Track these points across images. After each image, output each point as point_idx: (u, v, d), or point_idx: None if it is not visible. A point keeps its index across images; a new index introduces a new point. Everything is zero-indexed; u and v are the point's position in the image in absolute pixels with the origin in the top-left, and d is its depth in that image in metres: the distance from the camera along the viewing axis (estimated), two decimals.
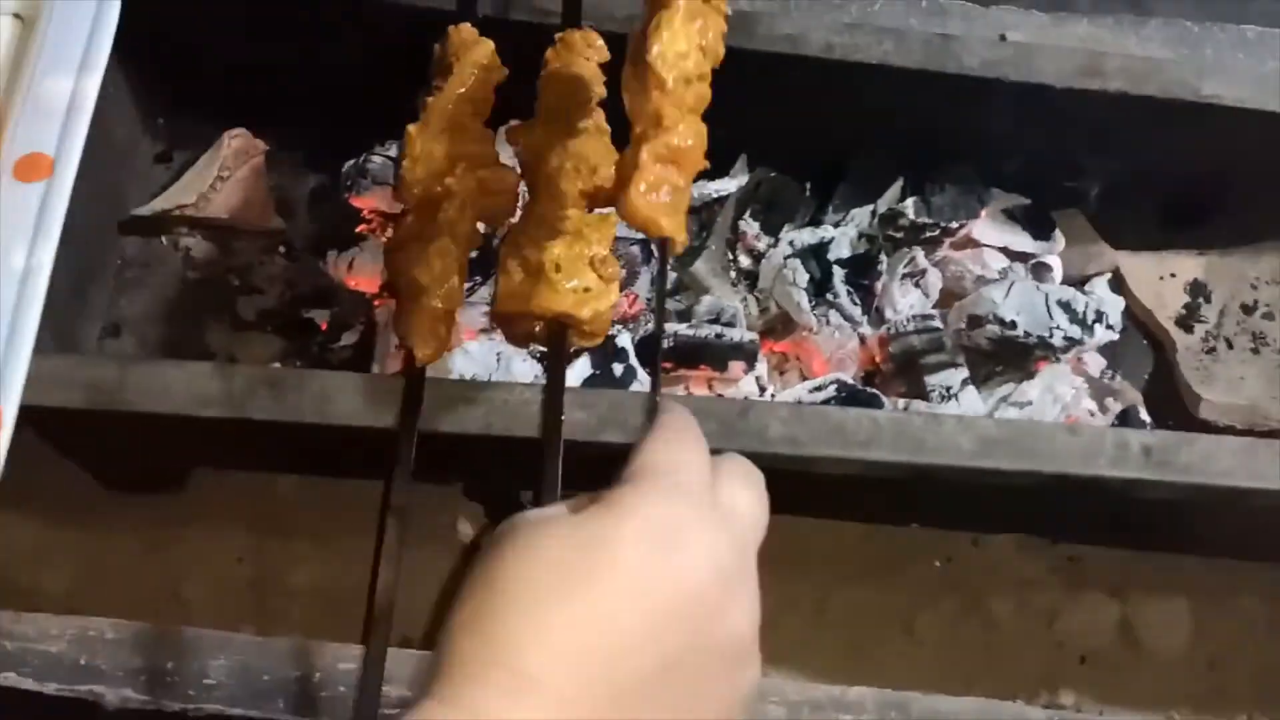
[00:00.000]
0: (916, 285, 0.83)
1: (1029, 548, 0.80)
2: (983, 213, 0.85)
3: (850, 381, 0.78)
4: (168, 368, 0.61)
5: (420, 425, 0.53)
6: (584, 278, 0.56)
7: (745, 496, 0.37)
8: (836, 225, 0.85)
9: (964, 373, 0.79)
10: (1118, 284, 0.88)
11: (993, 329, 0.80)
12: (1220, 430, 0.84)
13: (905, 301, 0.83)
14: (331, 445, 0.67)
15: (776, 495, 0.39)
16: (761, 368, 0.80)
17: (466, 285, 0.61)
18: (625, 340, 0.76)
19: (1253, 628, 0.79)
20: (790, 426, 0.61)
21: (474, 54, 0.61)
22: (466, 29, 0.63)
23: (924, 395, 0.79)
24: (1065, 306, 0.80)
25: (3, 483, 0.73)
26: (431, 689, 0.30)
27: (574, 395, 0.61)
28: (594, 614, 0.31)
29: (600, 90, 0.62)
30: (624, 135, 0.56)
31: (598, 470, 0.68)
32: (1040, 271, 0.86)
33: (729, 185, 0.85)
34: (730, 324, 0.79)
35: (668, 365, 0.77)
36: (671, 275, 0.82)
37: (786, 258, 0.82)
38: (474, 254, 0.58)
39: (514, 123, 0.62)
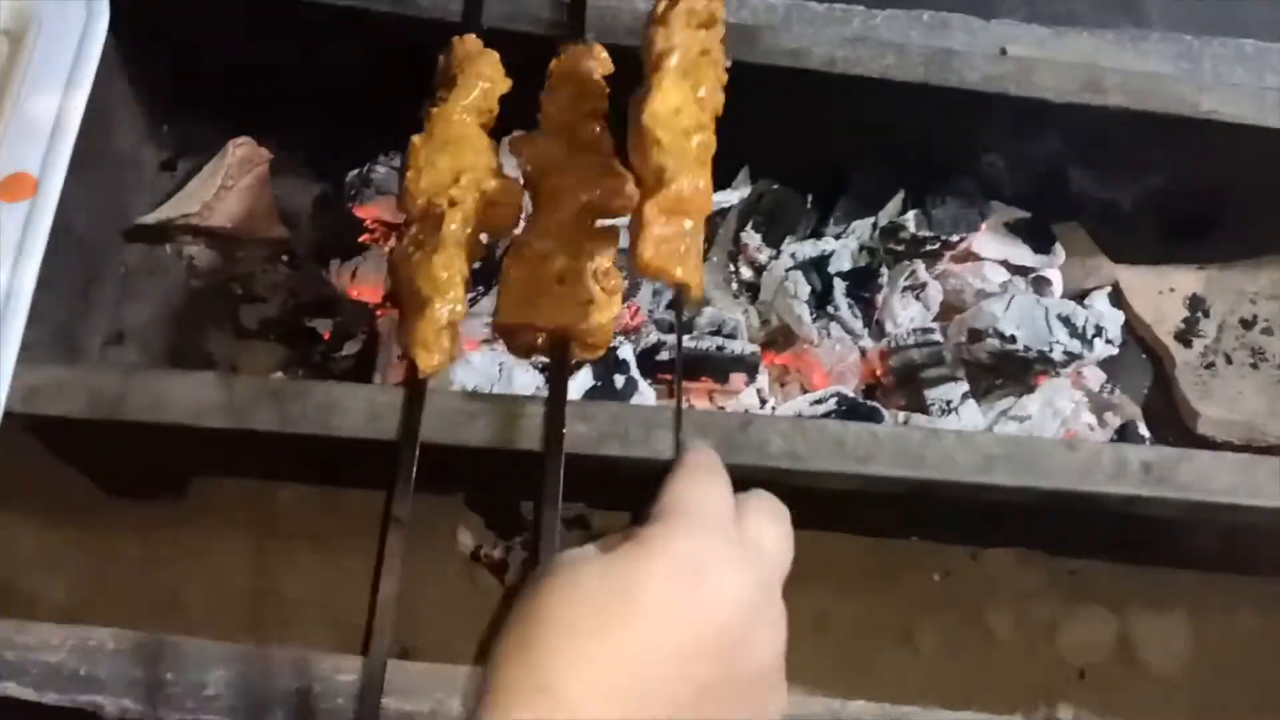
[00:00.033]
0: (917, 298, 0.83)
1: (1028, 562, 0.80)
2: (983, 226, 0.86)
3: (851, 394, 0.78)
4: (170, 377, 0.61)
5: (422, 436, 0.53)
6: (586, 290, 0.56)
7: (770, 531, 0.39)
8: (838, 238, 0.85)
9: (964, 386, 0.80)
10: (1117, 298, 0.88)
11: (993, 343, 0.80)
12: (1218, 445, 0.84)
13: (906, 314, 0.83)
14: (333, 456, 0.67)
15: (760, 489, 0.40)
16: (763, 380, 0.80)
17: (469, 296, 0.61)
18: (627, 352, 0.76)
19: (1251, 643, 0.79)
20: (791, 441, 0.62)
21: (478, 65, 0.62)
22: (471, 40, 0.64)
23: (924, 408, 0.79)
24: (1065, 321, 0.80)
25: (4, 489, 0.74)
26: (479, 714, 0.33)
27: (575, 407, 0.61)
28: (627, 647, 0.34)
29: (603, 103, 0.62)
30: (627, 146, 0.56)
31: (598, 482, 0.69)
32: (1040, 285, 0.86)
33: (731, 197, 0.85)
34: (732, 336, 0.79)
35: (667, 378, 0.77)
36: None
37: (788, 270, 0.82)
38: (476, 264, 0.58)
39: (517, 134, 0.62)
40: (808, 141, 0.82)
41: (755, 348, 0.79)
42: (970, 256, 0.87)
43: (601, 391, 0.74)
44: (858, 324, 0.82)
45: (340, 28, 0.74)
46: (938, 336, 0.81)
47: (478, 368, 0.74)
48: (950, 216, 0.84)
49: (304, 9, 0.73)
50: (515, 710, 0.33)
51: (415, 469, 0.52)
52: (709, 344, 0.77)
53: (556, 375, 0.58)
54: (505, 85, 0.62)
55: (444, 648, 0.72)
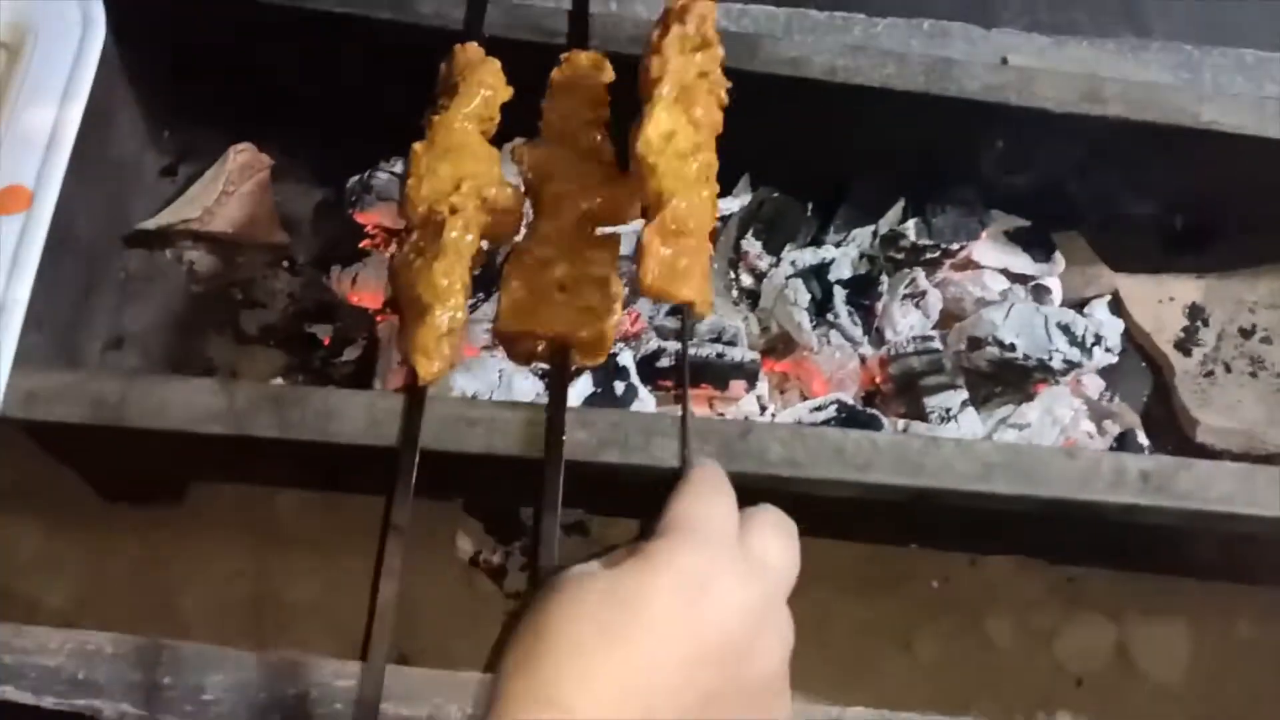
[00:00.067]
0: (917, 306, 0.84)
1: (1027, 569, 0.80)
2: (983, 234, 0.86)
3: (850, 402, 0.78)
4: (170, 384, 0.61)
5: (421, 443, 0.53)
6: (587, 297, 0.57)
7: (776, 545, 0.40)
8: (838, 246, 0.85)
9: (963, 394, 0.80)
10: (1117, 306, 0.88)
11: (992, 351, 0.80)
12: (1217, 454, 0.84)
13: (905, 322, 0.83)
14: (332, 462, 0.67)
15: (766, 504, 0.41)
16: (762, 387, 0.80)
17: (469, 302, 0.61)
18: (627, 359, 0.76)
19: (1249, 651, 0.79)
20: (790, 448, 0.62)
21: (480, 73, 0.62)
22: (473, 48, 0.64)
23: (923, 416, 0.79)
24: (1065, 329, 0.80)
25: (4, 493, 0.74)
26: None
27: (575, 414, 0.61)
28: (633, 660, 0.35)
29: (605, 111, 0.63)
30: (628, 154, 0.57)
31: (598, 488, 0.69)
32: (1040, 293, 0.86)
33: (732, 205, 0.85)
34: (732, 343, 0.80)
35: (668, 384, 0.77)
36: None
37: (788, 277, 0.83)
38: (477, 271, 0.58)
39: (519, 141, 0.63)
40: (808, 150, 0.82)
41: (755, 355, 0.79)
42: (970, 265, 0.87)
43: (601, 398, 0.74)
44: (857, 331, 0.82)
45: (341, 34, 0.74)
46: (937, 344, 0.81)
47: (477, 374, 0.74)
48: (950, 225, 0.84)
49: (305, 15, 0.73)
50: None
51: (415, 475, 0.52)
52: (709, 351, 0.78)
53: (556, 382, 0.58)
54: (507, 93, 0.62)
55: (443, 653, 0.72)
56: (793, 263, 0.84)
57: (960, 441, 0.64)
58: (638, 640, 0.35)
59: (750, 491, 0.43)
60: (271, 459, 0.68)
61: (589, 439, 0.60)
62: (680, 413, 0.52)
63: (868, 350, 0.82)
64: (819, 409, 0.78)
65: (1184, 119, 0.76)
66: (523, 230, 0.60)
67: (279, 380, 0.80)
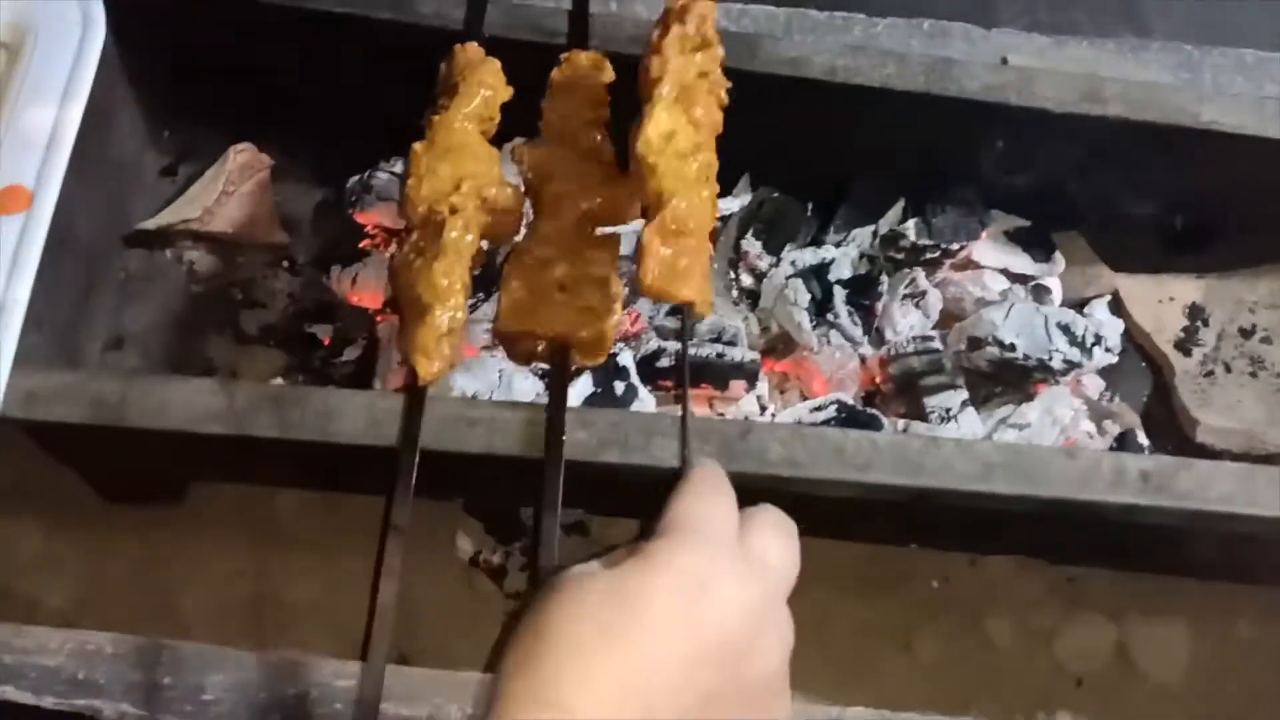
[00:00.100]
0: (917, 306, 0.84)
1: (1027, 569, 0.80)
2: (983, 234, 0.86)
3: (850, 402, 0.79)
4: (170, 384, 0.61)
5: (421, 443, 0.53)
6: (587, 297, 0.57)
7: (776, 545, 0.40)
8: (838, 246, 0.85)
9: (963, 394, 0.80)
10: (1117, 306, 0.88)
11: (992, 351, 0.80)
12: (1217, 454, 0.84)
13: (905, 322, 0.83)
14: (332, 462, 0.67)
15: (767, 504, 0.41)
16: (762, 387, 0.80)
17: (469, 302, 0.61)
18: (627, 358, 0.76)
19: (1249, 651, 0.80)
20: (790, 448, 0.62)
21: (480, 73, 0.62)
22: (473, 48, 0.64)
23: (923, 416, 0.79)
24: (1065, 329, 0.80)
25: (4, 493, 0.74)
26: None
27: (575, 414, 0.61)
28: (632, 660, 0.35)
29: (605, 111, 0.63)
30: (628, 154, 0.57)
31: (598, 488, 0.69)
32: (1040, 293, 0.86)
33: (732, 205, 0.85)
34: (732, 343, 0.80)
35: (668, 384, 0.77)
36: None
37: (788, 277, 0.83)
38: (477, 271, 0.58)
39: (519, 141, 0.63)
40: (808, 149, 0.82)
41: (755, 355, 0.80)
42: (970, 265, 0.87)
43: (601, 398, 0.74)
44: (857, 331, 0.82)
45: (341, 34, 0.74)
46: (937, 344, 0.81)
47: (477, 374, 0.74)
48: (950, 225, 0.84)
49: (305, 15, 0.73)
50: None
51: (415, 475, 0.52)
52: (709, 351, 0.78)
53: (556, 382, 0.58)
54: (507, 93, 0.62)
55: (442, 653, 0.72)
56: (793, 263, 0.84)
57: (960, 441, 0.64)
58: (638, 640, 0.35)
59: (750, 491, 0.43)
60: (271, 459, 0.68)
61: (589, 439, 0.60)
62: (680, 413, 0.52)
63: (868, 350, 0.82)
64: (819, 409, 0.78)
65: (1184, 119, 0.76)
66: (523, 230, 0.60)
67: (279, 380, 0.81)
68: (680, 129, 0.53)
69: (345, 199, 0.83)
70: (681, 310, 0.53)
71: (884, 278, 0.84)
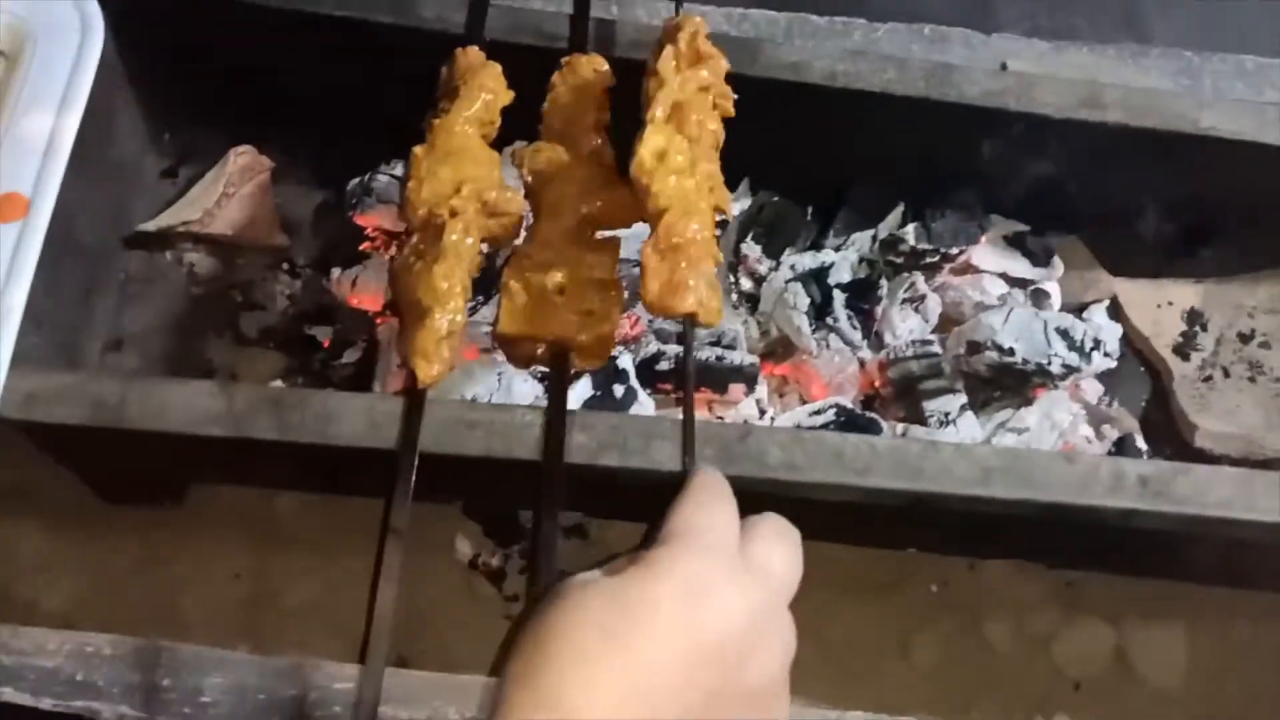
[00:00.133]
0: (916, 310, 0.84)
1: (1025, 573, 0.80)
2: (982, 239, 0.86)
3: (849, 405, 0.79)
4: (169, 386, 0.61)
5: (421, 446, 0.54)
6: (587, 301, 0.57)
7: (778, 553, 0.40)
8: (837, 250, 0.85)
9: (962, 398, 0.80)
10: (1115, 311, 0.88)
11: (991, 355, 0.80)
12: (1216, 458, 0.84)
13: (905, 326, 0.83)
14: (332, 464, 0.67)
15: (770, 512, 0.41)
16: (762, 390, 0.80)
17: (469, 305, 0.61)
18: (626, 361, 0.76)
19: (1247, 655, 0.80)
20: (789, 452, 0.62)
21: (480, 76, 0.62)
22: (473, 52, 0.64)
23: (922, 420, 0.79)
24: (1063, 334, 0.80)
25: (3, 494, 0.74)
26: None
27: (575, 417, 0.61)
28: (634, 667, 0.35)
29: (605, 114, 0.63)
30: (628, 158, 0.57)
31: (597, 491, 0.69)
32: (1039, 298, 0.87)
33: (732, 209, 0.85)
34: (731, 347, 0.80)
35: (667, 387, 0.77)
36: None
37: (787, 281, 0.83)
38: (476, 274, 0.58)
39: (519, 144, 0.63)
40: (808, 154, 0.82)
41: (754, 358, 0.80)
42: (969, 269, 0.87)
43: (601, 401, 0.74)
44: (857, 335, 0.82)
45: (343, 38, 0.74)
46: (936, 348, 0.82)
47: (477, 376, 0.74)
48: (949, 229, 0.84)
49: (306, 19, 0.73)
50: None
51: (414, 478, 0.52)
52: (708, 354, 0.78)
53: (556, 385, 0.58)
54: (507, 97, 0.62)
55: (442, 656, 0.72)
56: (792, 266, 0.84)
57: (959, 446, 0.64)
58: (639, 646, 0.35)
59: (749, 495, 0.43)
60: (271, 461, 0.68)
61: (588, 442, 0.60)
62: (682, 417, 0.52)
63: (867, 354, 0.82)
64: (818, 412, 0.78)
65: (1183, 125, 0.76)
66: (523, 233, 0.60)
67: (279, 382, 0.81)
68: (673, 146, 0.54)
69: (345, 201, 0.84)
70: (687, 322, 0.53)
71: (883, 282, 0.84)
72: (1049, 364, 0.80)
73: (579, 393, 0.74)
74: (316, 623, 0.73)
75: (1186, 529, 0.66)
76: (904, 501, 0.64)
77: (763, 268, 0.85)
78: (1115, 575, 0.80)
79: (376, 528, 0.50)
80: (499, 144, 0.62)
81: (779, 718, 0.39)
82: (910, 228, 0.85)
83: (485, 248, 0.59)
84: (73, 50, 0.56)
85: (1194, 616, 0.80)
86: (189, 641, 0.65)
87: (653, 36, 0.70)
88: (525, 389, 0.74)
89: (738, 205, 0.86)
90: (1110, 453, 0.81)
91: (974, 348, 0.81)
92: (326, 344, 0.83)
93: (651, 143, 0.54)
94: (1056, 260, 0.88)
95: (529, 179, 0.61)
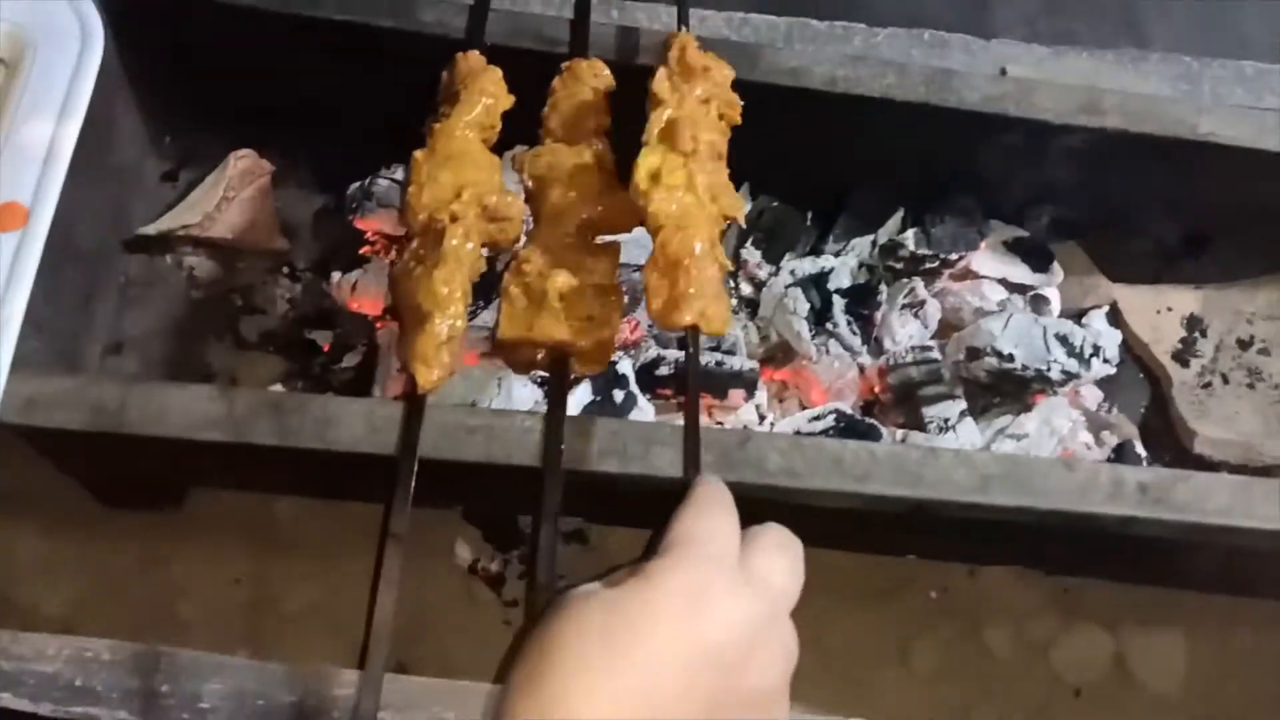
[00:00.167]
0: (916, 316, 0.84)
1: (1025, 579, 0.80)
2: (982, 245, 0.86)
3: (849, 411, 0.79)
4: (169, 390, 0.61)
5: (420, 451, 0.53)
6: (587, 306, 0.57)
7: (779, 563, 0.41)
8: (837, 255, 0.86)
9: (962, 404, 0.80)
10: (1115, 317, 0.88)
11: (991, 361, 0.80)
12: (1215, 465, 0.84)
13: (904, 332, 0.83)
14: (331, 469, 0.67)
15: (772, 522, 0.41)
16: (761, 396, 0.80)
17: (469, 309, 0.61)
18: (626, 366, 0.76)
19: (1246, 662, 0.80)
20: (789, 458, 0.62)
21: (481, 81, 0.62)
22: (474, 56, 0.64)
23: (922, 426, 0.79)
24: (1063, 340, 0.80)
25: (3, 498, 0.74)
26: None
27: (574, 423, 0.61)
28: (635, 675, 0.36)
29: (605, 119, 0.63)
30: (630, 162, 0.57)
31: (597, 497, 0.69)
32: (1038, 303, 0.87)
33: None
34: (731, 352, 0.80)
35: (667, 393, 0.77)
36: None
37: (787, 286, 0.83)
38: (476, 279, 0.58)
39: (520, 149, 0.63)
40: (808, 159, 0.82)
41: (754, 364, 0.80)
42: (969, 275, 0.87)
43: (600, 406, 0.74)
44: (856, 341, 0.82)
45: (343, 42, 0.74)
46: (936, 354, 0.82)
47: (476, 381, 0.74)
48: (949, 235, 0.84)
49: (307, 23, 0.73)
50: None
51: (414, 483, 0.52)
52: (708, 359, 0.78)
53: (556, 392, 0.58)
54: (508, 101, 0.62)
55: (441, 661, 0.72)
56: (792, 272, 0.84)
57: (958, 453, 0.64)
58: (639, 655, 0.36)
59: (748, 501, 0.43)
60: (270, 466, 0.68)
61: (588, 448, 0.60)
62: (683, 424, 0.52)
63: (866, 360, 0.82)
64: (817, 418, 0.78)
65: (1182, 131, 0.76)
66: (523, 238, 0.60)
67: (278, 386, 0.80)
68: (667, 165, 0.55)
69: (346, 205, 0.84)
70: (690, 333, 0.54)
71: (883, 287, 0.84)
72: (1048, 370, 0.80)
73: (579, 398, 0.74)
74: (316, 627, 0.73)
75: (1186, 536, 0.66)
76: (903, 508, 0.64)
77: (762, 273, 0.85)
78: (1114, 582, 0.80)
79: (376, 531, 0.50)
80: (499, 149, 0.62)
81: None
82: (910, 233, 0.85)
83: (486, 252, 0.59)
84: (73, 58, 0.56)
85: (1193, 623, 0.80)
86: (189, 646, 0.64)
87: (653, 41, 0.71)
88: (525, 394, 0.74)
89: None
90: (1109, 459, 0.81)
91: (973, 353, 0.81)
92: (326, 348, 0.82)
93: (644, 165, 0.55)
94: (1056, 266, 0.88)
95: (529, 184, 0.61)
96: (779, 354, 0.83)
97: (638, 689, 0.36)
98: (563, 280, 0.57)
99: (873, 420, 0.79)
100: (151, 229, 0.83)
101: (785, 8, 0.90)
